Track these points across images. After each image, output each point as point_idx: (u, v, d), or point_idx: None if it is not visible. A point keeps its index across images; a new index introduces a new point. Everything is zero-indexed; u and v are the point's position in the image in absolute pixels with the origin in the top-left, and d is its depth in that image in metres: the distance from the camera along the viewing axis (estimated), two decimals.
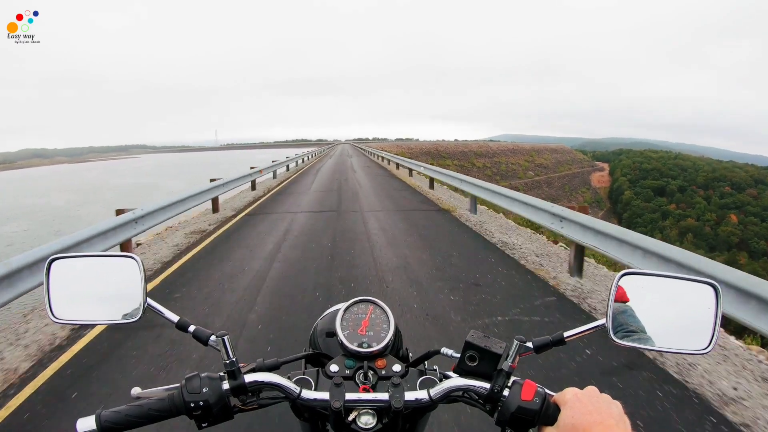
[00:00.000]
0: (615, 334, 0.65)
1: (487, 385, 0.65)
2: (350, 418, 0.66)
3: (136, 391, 0.70)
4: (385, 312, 0.77)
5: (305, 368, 0.73)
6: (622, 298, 0.66)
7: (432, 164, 11.66)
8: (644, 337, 0.66)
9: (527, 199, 6.08)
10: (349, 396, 0.66)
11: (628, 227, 4.28)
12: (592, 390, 0.61)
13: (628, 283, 0.67)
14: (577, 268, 4.80)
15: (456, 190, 11.14)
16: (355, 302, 0.79)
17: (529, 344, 0.67)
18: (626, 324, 0.66)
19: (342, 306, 0.79)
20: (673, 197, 67.58)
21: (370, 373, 0.70)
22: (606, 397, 0.61)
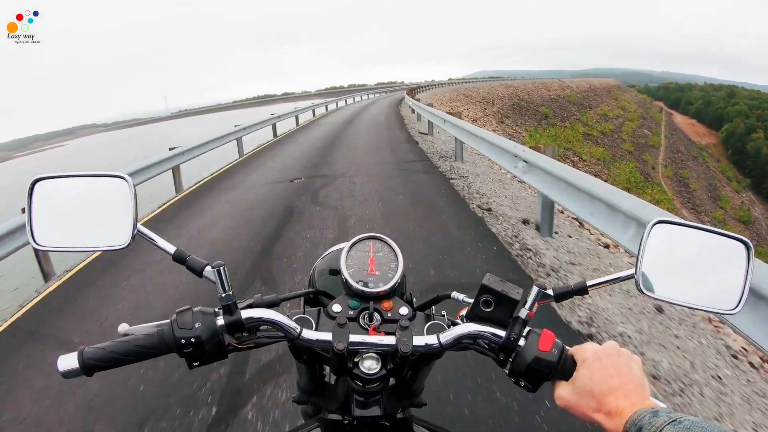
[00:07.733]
0: (644, 285, 0.61)
1: (502, 333, 0.61)
2: (352, 361, 0.62)
3: (123, 327, 0.65)
4: (393, 250, 0.72)
5: (304, 308, 0.68)
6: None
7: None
8: (673, 291, 0.62)
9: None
10: (353, 338, 0.61)
11: None
12: (612, 347, 0.57)
13: (660, 232, 0.62)
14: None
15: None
16: (362, 239, 0.73)
17: (550, 291, 0.62)
18: (655, 275, 0.62)
19: (347, 243, 0.73)
20: None
21: (376, 315, 0.66)
22: (626, 353, 0.57)
